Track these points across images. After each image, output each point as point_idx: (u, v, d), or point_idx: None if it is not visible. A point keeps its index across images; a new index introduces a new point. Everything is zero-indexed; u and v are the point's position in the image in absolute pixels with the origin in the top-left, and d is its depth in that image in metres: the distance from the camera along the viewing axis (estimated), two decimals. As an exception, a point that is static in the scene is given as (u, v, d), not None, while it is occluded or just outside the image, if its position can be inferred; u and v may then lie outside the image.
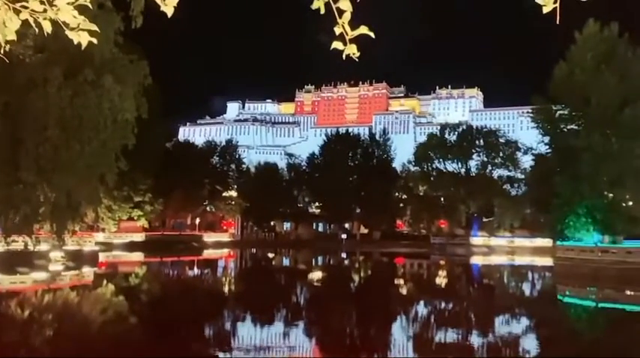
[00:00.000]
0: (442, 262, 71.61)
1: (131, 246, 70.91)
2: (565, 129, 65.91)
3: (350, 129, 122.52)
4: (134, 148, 32.30)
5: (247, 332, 21.89)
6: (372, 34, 3.19)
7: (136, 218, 76.84)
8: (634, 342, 21.06)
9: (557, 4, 2.91)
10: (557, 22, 2.80)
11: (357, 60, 3.17)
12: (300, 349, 19.20)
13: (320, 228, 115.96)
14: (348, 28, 3.14)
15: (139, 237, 75.75)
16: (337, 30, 3.12)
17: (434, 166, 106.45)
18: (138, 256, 64.92)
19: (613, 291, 38.18)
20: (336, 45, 3.19)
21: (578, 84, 60.02)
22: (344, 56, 3.14)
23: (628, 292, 37.89)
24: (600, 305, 33.82)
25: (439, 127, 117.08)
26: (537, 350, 20.21)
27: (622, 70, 60.21)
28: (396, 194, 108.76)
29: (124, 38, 28.96)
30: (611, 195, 61.62)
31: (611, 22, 62.02)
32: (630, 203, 62.57)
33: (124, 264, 59.48)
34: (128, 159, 33.59)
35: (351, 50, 3.17)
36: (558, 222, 59.10)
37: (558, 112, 65.82)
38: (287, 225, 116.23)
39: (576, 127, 64.72)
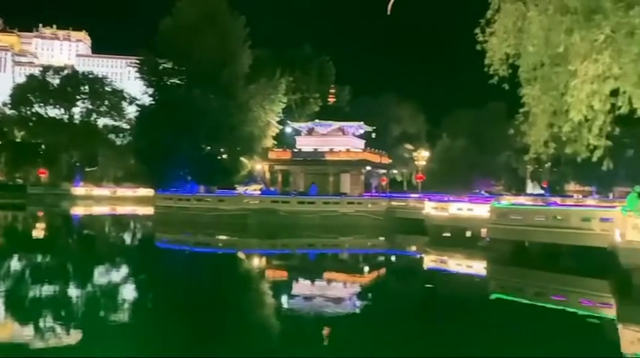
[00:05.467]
0: (40, 214, 67.24)
1: None
2: (169, 83, 68.42)
3: None
4: None
5: None
6: None
7: None
8: (226, 280, 23.55)
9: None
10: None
11: None
12: None
13: None
14: None
15: None
16: None
17: (33, 111, 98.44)
18: None
19: (206, 236, 41.63)
20: None
21: (183, 40, 62.76)
22: None
23: (220, 236, 41.83)
24: (194, 249, 36.42)
25: (41, 69, 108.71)
26: (136, 295, 20.75)
27: (223, 31, 65.11)
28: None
29: None
30: (208, 147, 66.83)
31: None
32: (225, 156, 68.96)
33: None
34: None
35: None
36: (159, 172, 61.39)
37: (163, 66, 67.84)
38: None
39: (179, 82, 67.79)
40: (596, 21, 8.45)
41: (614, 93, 8.43)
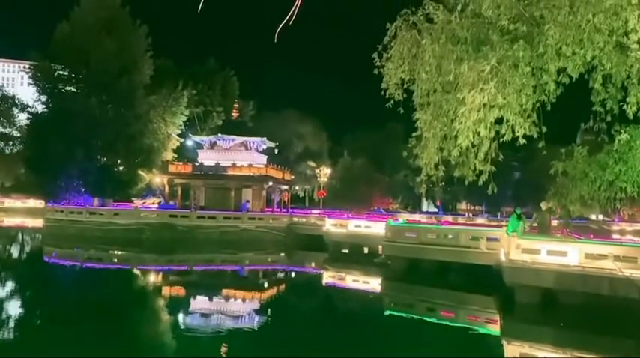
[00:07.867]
0: None
1: None
2: (64, 91, 65.40)
3: None
4: None
5: None
6: None
7: None
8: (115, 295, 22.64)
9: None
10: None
11: None
12: None
13: None
14: None
15: None
16: None
17: None
18: None
19: (99, 251, 39.90)
20: None
21: (80, 47, 60.38)
22: None
23: (114, 251, 40.28)
24: (86, 265, 34.86)
25: None
26: (19, 312, 19.56)
27: (123, 39, 63.21)
28: None
29: None
30: (104, 159, 64.29)
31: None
32: (121, 168, 66.62)
33: None
34: None
35: None
36: (51, 182, 58.39)
37: (58, 72, 64.78)
38: None
39: (75, 90, 64.95)
40: (484, 52, 8.96)
41: (499, 121, 8.92)
